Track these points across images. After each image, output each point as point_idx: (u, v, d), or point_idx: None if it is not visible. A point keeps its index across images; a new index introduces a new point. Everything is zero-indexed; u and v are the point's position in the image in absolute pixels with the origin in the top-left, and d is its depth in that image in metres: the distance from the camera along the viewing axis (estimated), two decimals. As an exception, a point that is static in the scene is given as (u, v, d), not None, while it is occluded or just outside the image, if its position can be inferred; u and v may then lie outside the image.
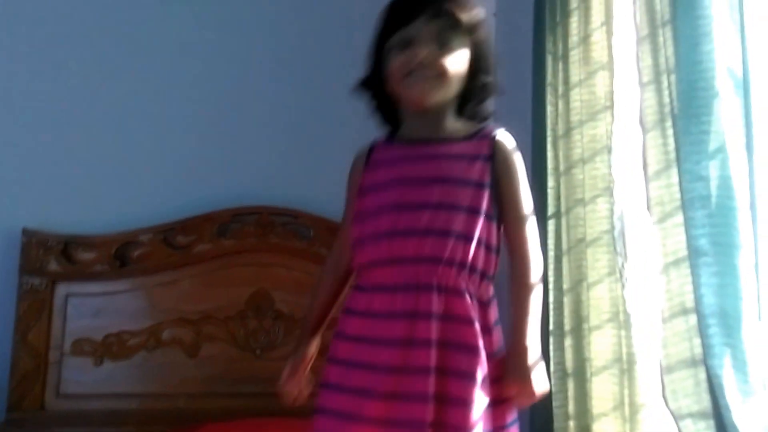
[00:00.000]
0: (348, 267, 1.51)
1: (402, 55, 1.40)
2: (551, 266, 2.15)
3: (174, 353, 2.54)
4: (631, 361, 1.91)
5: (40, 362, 2.41)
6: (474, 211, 1.36)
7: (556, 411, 2.13)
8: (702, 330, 1.59)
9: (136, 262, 2.54)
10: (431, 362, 1.30)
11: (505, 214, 1.42)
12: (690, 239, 1.62)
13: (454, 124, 1.46)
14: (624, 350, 1.94)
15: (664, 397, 1.73)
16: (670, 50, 1.68)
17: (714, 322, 1.57)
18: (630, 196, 1.91)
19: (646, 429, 1.86)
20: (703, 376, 1.61)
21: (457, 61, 1.41)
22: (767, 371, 1.51)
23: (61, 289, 2.47)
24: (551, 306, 2.15)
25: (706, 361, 1.58)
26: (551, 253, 2.15)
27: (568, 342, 2.11)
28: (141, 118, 2.67)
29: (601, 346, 2.01)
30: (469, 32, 1.43)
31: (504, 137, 1.45)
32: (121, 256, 2.54)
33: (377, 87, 1.47)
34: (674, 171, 1.70)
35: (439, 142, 1.43)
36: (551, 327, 2.16)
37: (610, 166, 1.96)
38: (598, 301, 2.01)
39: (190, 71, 2.73)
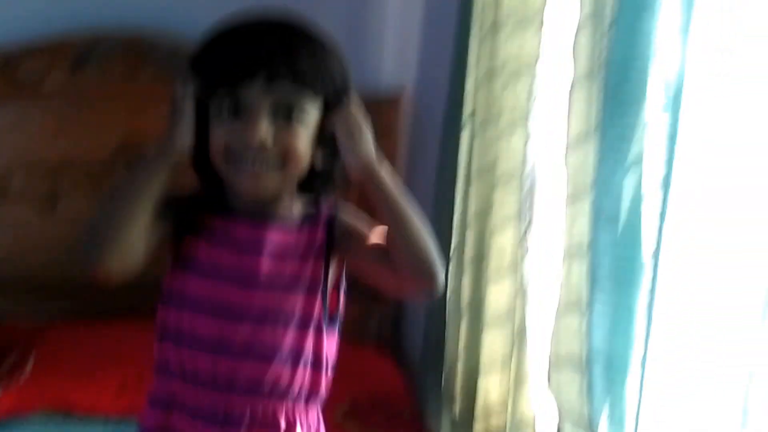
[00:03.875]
0: None
1: (231, 127, 1.07)
2: (460, 181, 1.90)
3: (25, 208, 2.30)
4: (522, 330, 1.74)
5: None
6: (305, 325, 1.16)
7: (447, 352, 2.03)
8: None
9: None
10: None
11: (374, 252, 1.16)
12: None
13: (291, 204, 1.18)
14: (517, 316, 1.75)
15: (549, 389, 1.62)
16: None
17: (599, 368, 1.39)
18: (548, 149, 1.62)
19: (527, 404, 1.75)
20: (588, 386, 1.45)
21: (305, 139, 1.10)
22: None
23: None
24: (455, 227, 1.94)
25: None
26: (462, 166, 1.88)
27: (466, 278, 1.93)
28: None
29: (497, 297, 1.84)
30: (323, 90, 1.11)
31: (343, 213, 1.19)
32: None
33: (197, 144, 1.11)
34: (592, 147, 1.38)
35: (272, 228, 1.16)
36: (452, 250, 1.96)
37: (529, 94, 1.63)
38: (500, 248, 1.80)
39: None
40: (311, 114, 1.09)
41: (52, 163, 2.29)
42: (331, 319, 1.19)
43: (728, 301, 1.19)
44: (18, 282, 2.26)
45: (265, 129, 1.05)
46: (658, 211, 1.24)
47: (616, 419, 1.34)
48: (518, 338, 1.73)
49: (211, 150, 1.10)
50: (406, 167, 2.49)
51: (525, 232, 1.64)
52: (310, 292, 1.15)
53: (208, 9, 1.98)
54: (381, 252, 1.13)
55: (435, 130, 2.14)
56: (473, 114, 1.82)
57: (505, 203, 1.73)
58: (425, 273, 1.09)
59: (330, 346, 1.19)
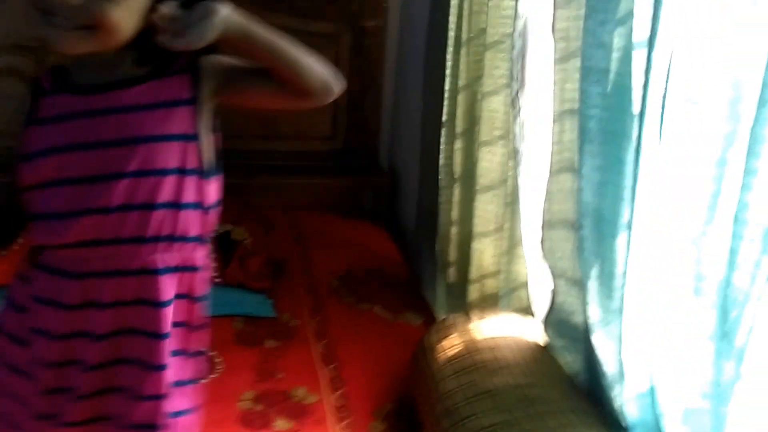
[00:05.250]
0: None
1: None
2: (450, 48, 1.91)
3: (12, 86, 2.30)
4: (515, 194, 1.78)
5: None
6: (184, 172, 1.16)
7: (442, 215, 2.07)
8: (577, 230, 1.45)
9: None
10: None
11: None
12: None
13: (132, 65, 1.14)
14: (510, 180, 1.78)
15: (542, 249, 1.65)
16: None
17: (588, 225, 1.41)
18: (537, 10, 1.60)
19: (521, 266, 1.80)
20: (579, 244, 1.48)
21: (126, 8, 1.06)
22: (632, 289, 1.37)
23: None
24: (446, 95, 1.97)
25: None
26: (451, 33, 1.89)
27: (458, 145, 1.96)
28: None
29: (488, 163, 1.87)
30: None
31: (208, 60, 1.16)
32: None
33: None
34: (582, 4, 1.38)
35: (119, 89, 1.14)
36: (444, 117, 2.00)
37: None
38: (492, 113, 1.82)
39: None
40: None
41: (35, 41, 2.25)
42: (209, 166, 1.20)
43: (714, 156, 1.19)
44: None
45: None
46: (644, 67, 1.24)
47: (606, 276, 1.37)
48: (511, 201, 1.77)
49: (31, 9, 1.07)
50: (397, 41, 2.50)
51: (516, 94, 1.66)
52: (184, 140, 1.15)
53: None
54: (261, 74, 1.15)
55: (423, 1, 2.14)
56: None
57: (495, 68, 1.74)
58: (321, 91, 1.15)
59: (211, 190, 1.20)
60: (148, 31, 1.09)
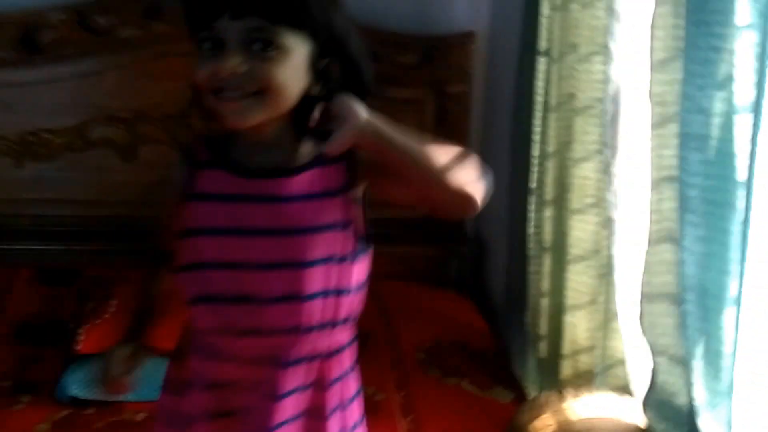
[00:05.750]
0: None
1: (209, 62, 1.08)
2: (538, 114, 1.88)
3: (106, 156, 2.38)
4: (609, 265, 1.71)
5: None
6: (340, 259, 1.18)
7: (531, 286, 2.02)
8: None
9: (48, 49, 2.29)
10: None
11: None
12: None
13: (296, 146, 1.17)
14: (603, 249, 1.73)
15: (641, 325, 1.57)
16: None
17: (692, 299, 1.35)
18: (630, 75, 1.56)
19: (617, 341, 1.73)
20: (684, 320, 1.42)
21: (286, 68, 1.09)
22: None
23: (-41, 78, 2.27)
24: (534, 161, 1.93)
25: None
26: (539, 98, 1.87)
27: (547, 213, 1.91)
28: None
29: (581, 232, 1.81)
30: (305, 21, 1.09)
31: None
32: (28, 40, 2.27)
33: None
34: (680, 65, 1.33)
35: (280, 176, 1.16)
36: (533, 184, 1.96)
37: (610, 15, 1.57)
38: (583, 181, 1.77)
39: None
40: (292, 46, 1.08)
41: (128, 113, 2.35)
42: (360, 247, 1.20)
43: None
44: (101, 226, 2.36)
45: (234, 61, 1.06)
46: (750, 133, 1.20)
47: (712, 354, 1.31)
48: (605, 273, 1.71)
49: (198, 87, 1.11)
50: (482, 107, 2.49)
51: (610, 161, 1.61)
52: (340, 230, 1.17)
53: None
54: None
55: (509, 66, 2.12)
56: (549, 43, 1.78)
57: (586, 133, 1.70)
58: (460, 203, 1.09)
59: (360, 271, 1.21)
60: (305, 111, 1.13)
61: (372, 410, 1.92)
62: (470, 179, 1.08)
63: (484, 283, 2.54)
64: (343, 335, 1.23)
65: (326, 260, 1.15)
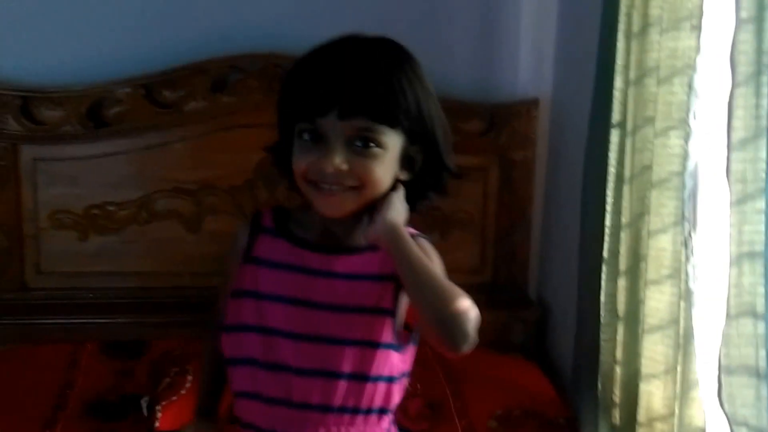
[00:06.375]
0: None
1: (310, 154, 1.15)
2: (611, 185, 1.90)
3: (171, 227, 2.42)
4: (688, 335, 1.73)
5: (14, 237, 2.33)
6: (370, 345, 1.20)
7: (604, 353, 2.01)
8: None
9: (113, 122, 2.34)
10: None
11: None
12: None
13: (356, 226, 1.23)
14: (682, 321, 1.73)
15: (719, 397, 1.58)
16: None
17: None
18: (709, 151, 1.58)
19: (696, 410, 1.74)
20: (765, 392, 1.47)
21: (383, 163, 1.16)
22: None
23: (26, 153, 2.30)
24: (607, 231, 1.94)
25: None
26: (612, 170, 1.89)
27: (621, 283, 1.92)
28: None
29: (657, 303, 1.81)
30: (405, 119, 1.15)
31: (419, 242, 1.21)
32: (94, 114, 2.32)
33: (283, 161, 1.23)
34: (764, 142, 1.38)
35: (338, 254, 1.22)
36: (605, 254, 1.96)
37: (689, 91, 1.60)
38: (659, 252, 1.78)
39: None
40: (390, 142, 1.14)
41: (194, 185, 2.40)
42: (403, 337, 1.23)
43: None
44: (166, 298, 2.39)
45: (339, 159, 1.12)
46: None
47: None
48: (684, 343, 1.71)
49: (294, 172, 1.18)
50: (546, 174, 2.51)
51: (688, 235, 1.63)
52: (379, 315, 1.19)
53: (337, 29, 2.10)
54: None
55: (575, 135, 2.15)
56: (622, 116, 1.82)
57: (663, 206, 1.72)
58: (444, 340, 1.07)
59: (401, 361, 1.22)
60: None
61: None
62: (461, 321, 1.06)
63: (549, 348, 2.54)
64: (379, 428, 1.23)
65: (362, 343, 1.18)
